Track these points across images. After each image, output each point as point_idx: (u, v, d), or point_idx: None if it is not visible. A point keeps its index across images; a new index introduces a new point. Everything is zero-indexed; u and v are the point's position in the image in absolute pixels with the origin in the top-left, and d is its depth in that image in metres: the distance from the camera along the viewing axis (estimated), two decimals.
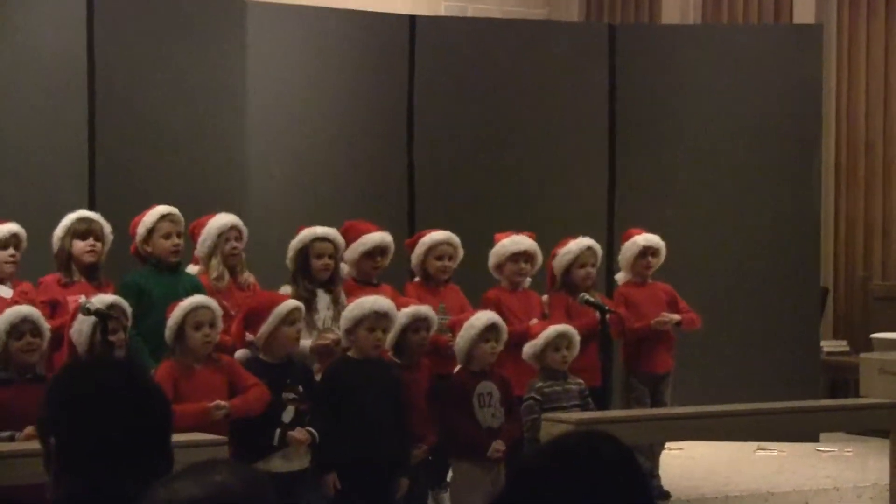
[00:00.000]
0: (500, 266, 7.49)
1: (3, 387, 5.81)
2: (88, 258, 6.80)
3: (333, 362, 6.58)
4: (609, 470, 1.99)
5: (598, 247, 7.66)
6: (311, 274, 6.95)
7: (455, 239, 7.43)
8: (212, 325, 6.10)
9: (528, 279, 7.57)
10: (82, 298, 6.36)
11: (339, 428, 6.25)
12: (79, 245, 6.79)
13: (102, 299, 6.17)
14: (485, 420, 6.66)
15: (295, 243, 7.00)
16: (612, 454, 2.01)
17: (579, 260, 7.53)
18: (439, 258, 7.39)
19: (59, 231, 6.81)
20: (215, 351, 6.18)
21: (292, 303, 6.36)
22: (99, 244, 6.82)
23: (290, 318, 6.26)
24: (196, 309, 6.09)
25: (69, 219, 6.83)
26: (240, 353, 6.41)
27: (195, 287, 6.73)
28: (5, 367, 5.88)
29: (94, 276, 6.82)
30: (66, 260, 6.79)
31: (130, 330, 6.27)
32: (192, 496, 1.81)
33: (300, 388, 6.26)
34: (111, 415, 2.27)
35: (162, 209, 6.93)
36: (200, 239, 6.97)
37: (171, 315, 6.08)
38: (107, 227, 6.89)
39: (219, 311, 6.18)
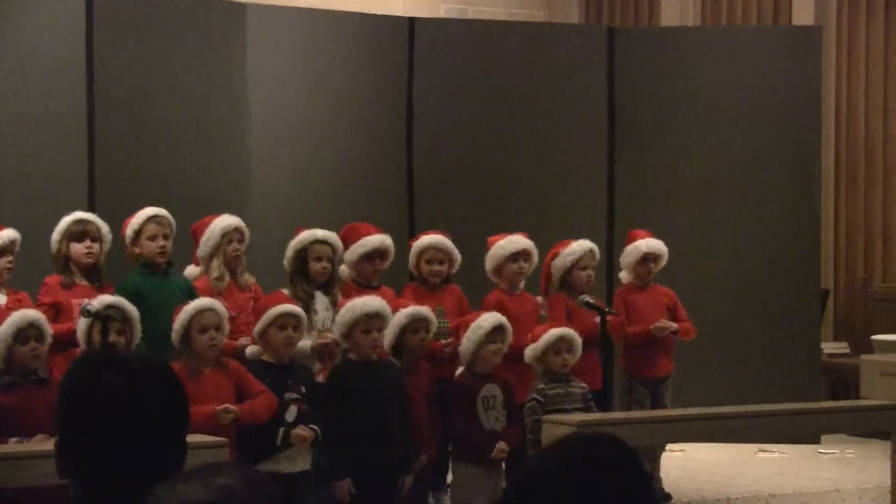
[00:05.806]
0: (498, 268, 7.45)
1: (8, 391, 5.81)
2: (86, 260, 6.78)
3: (336, 366, 6.57)
4: (612, 472, 1.98)
5: (597, 249, 7.65)
6: (309, 276, 6.94)
7: (446, 244, 7.37)
8: (217, 328, 6.10)
9: (524, 280, 7.56)
10: (84, 301, 6.36)
11: (345, 431, 6.24)
12: (76, 247, 6.77)
13: (103, 300, 6.16)
14: (488, 423, 6.65)
15: (294, 245, 6.99)
16: (615, 456, 2.00)
17: (581, 262, 7.51)
18: (429, 262, 7.36)
19: (55, 234, 6.80)
20: (221, 354, 6.18)
21: (287, 308, 6.32)
22: (96, 245, 6.80)
23: (279, 321, 6.24)
24: (202, 312, 6.09)
25: (65, 221, 6.82)
26: (250, 350, 6.43)
27: (187, 289, 6.73)
28: (8, 371, 5.86)
29: (94, 277, 6.81)
30: (64, 262, 6.78)
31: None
32: (197, 499, 1.80)
33: (303, 389, 6.26)
34: (111, 414, 2.27)
35: (149, 211, 6.92)
36: (203, 239, 6.95)
37: (178, 318, 6.08)
38: (104, 228, 6.87)
39: (225, 315, 6.17)
